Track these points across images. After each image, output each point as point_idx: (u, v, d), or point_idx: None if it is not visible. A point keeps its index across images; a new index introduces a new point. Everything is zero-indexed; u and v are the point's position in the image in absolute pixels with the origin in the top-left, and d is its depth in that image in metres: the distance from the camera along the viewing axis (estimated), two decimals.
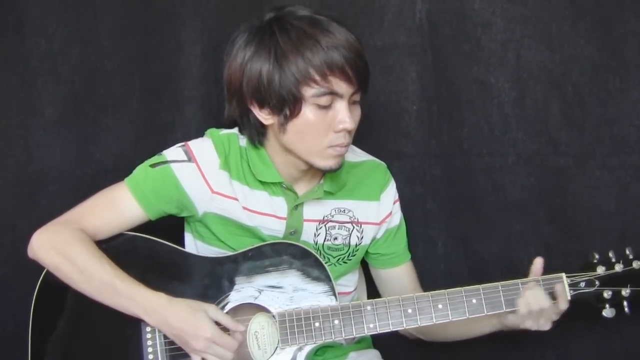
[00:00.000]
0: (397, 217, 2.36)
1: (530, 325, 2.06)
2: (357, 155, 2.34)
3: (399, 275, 2.37)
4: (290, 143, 2.09)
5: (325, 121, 2.03)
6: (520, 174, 2.43)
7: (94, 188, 2.23)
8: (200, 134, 2.26)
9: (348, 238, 2.27)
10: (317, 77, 1.99)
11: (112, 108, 2.52)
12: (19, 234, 2.31)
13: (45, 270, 2.13)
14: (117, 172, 2.26)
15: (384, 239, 2.34)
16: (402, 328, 2.07)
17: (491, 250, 2.49)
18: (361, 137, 2.41)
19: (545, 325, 2.07)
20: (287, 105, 2.02)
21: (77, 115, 2.50)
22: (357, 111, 2.10)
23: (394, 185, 2.37)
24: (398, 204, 2.37)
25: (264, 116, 2.09)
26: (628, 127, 2.33)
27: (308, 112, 2.02)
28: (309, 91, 2.00)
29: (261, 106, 2.07)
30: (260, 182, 2.17)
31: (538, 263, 2.11)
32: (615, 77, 2.34)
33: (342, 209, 2.26)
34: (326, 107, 2.02)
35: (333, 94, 2.01)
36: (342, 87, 2.01)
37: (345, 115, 2.03)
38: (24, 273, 2.22)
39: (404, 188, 2.49)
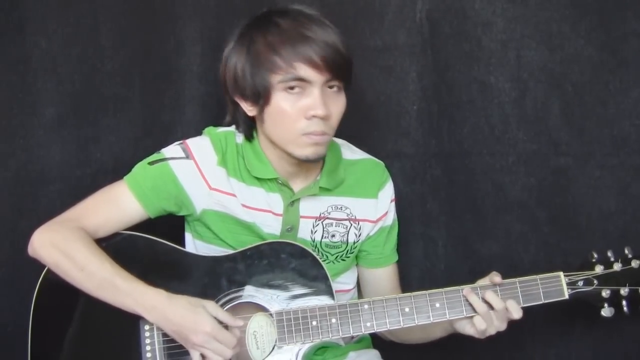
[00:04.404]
0: (391, 217, 2.37)
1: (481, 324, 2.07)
2: (354, 153, 2.35)
3: (381, 276, 2.38)
4: (269, 133, 2.12)
5: (296, 108, 2.05)
6: (520, 174, 2.44)
7: (94, 188, 2.23)
8: (200, 133, 2.27)
9: (346, 235, 2.28)
10: (283, 64, 2.02)
11: (112, 108, 2.52)
12: (19, 234, 2.32)
13: (45, 270, 2.13)
14: (117, 172, 2.26)
15: (375, 237, 2.34)
16: (400, 327, 2.07)
17: (491, 250, 2.49)
18: (361, 137, 2.43)
19: (501, 326, 2.09)
20: (261, 94, 2.06)
21: (77, 115, 2.49)
22: (337, 100, 2.10)
23: (392, 184, 2.37)
24: (394, 203, 2.37)
25: (248, 108, 2.13)
26: (628, 127, 2.34)
27: (279, 100, 2.06)
28: (276, 78, 2.04)
29: (244, 98, 2.12)
30: (257, 178, 2.19)
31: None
32: (615, 77, 2.34)
33: (339, 206, 2.26)
34: (297, 94, 2.05)
35: (300, 80, 2.03)
36: (308, 73, 2.02)
37: (315, 102, 2.04)
38: (24, 273, 2.22)
39: (404, 188, 2.50)
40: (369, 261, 2.36)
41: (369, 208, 2.30)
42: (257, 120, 2.16)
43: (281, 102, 2.05)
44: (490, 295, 2.06)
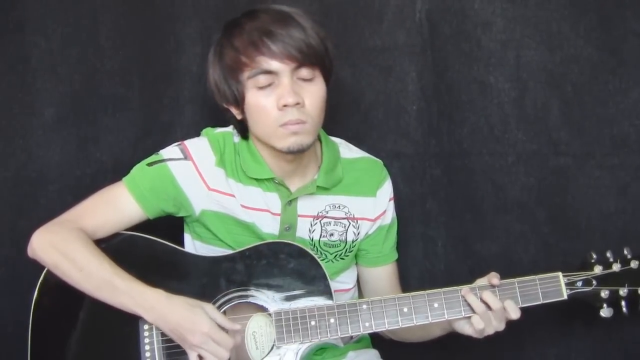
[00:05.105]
0: (390, 216, 2.36)
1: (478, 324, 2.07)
2: (352, 152, 2.35)
3: (380, 275, 2.38)
4: (254, 131, 2.15)
5: (268, 101, 2.07)
6: (520, 174, 2.44)
7: (93, 188, 2.23)
8: (200, 134, 2.27)
9: (344, 234, 2.28)
10: (246, 60, 2.06)
11: (112, 108, 2.52)
12: (19, 234, 2.32)
13: (45, 270, 2.13)
14: (117, 172, 2.26)
15: (374, 235, 2.34)
16: (398, 327, 2.07)
17: (491, 250, 2.49)
18: (361, 137, 2.43)
19: (499, 326, 2.09)
20: (236, 95, 2.10)
21: (77, 115, 2.50)
22: (311, 88, 2.11)
23: (390, 182, 2.37)
24: (392, 202, 2.37)
25: (235, 111, 2.16)
26: (628, 127, 2.34)
27: (251, 96, 2.09)
28: (244, 75, 2.08)
29: (228, 103, 2.16)
30: (254, 178, 2.19)
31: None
32: (615, 77, 2.34)
33: (337, 205, 2.26)
34: (267, 87, 2.07)
35: (267, 72, 2.06)
36: (272, 64, 2.05)
37: (283, 91, 2.06)
38: (24, 273, 2.23)
39: (404, 188, 2.50)
40: (368, 260, 2.36)
41: (368, 206, 2.30)
42: (246, 122, 2.17)
43: (254, 97, 2.08)
44: (488, 296, 2.06)
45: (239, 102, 2.11)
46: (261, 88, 2.07)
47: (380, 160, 2.38)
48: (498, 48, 2.42)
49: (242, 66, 2.06)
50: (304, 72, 2.08)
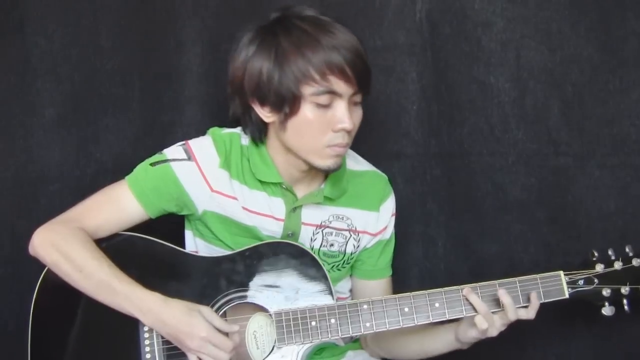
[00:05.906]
0: (390, 231, 2.36)
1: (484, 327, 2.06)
2: (359, 164, 2.34)
3: (373, 289, 2.34)
4: (289, 141, 2.09)
5: (323, 120, 2.03)
6: (520, 174, 2.43)
7: (93, 188, 2.23)
8: (200, 133, 2.27)
9: (344, 246, 2.27)
10: (317, 76, 1.99)
11: (112, 108, 2.52)
12: (19, 234, 2.33)
13: (45, 270, 2.13)
14: (117, 172, 2.26)
15: (372, 249, 2.33)
16: (399, 327, 2.07)
17: (491, 250, 2.48)
18: (361, 137, 2.40)
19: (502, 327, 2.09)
20: (287, 103, 2.03)
21: (77, 115, 2.50)
22: (358, 112, 2.11)
23: (394, 198, 2.37)
24: (394, 218, 2.37)
25: (265, 114, 2.10)
26: (628, 127, 2.33)
27: (307, 111, 2.03)
28: (308, 90, 2.01)
29: (262, 104, 2.08)
30: (260, 182, 2.18)
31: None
32: (615, 77, 2.34)
33: (341, 216, 2.26)
34: (325, 107, 2.03)
35: (332, 93, 2.01)
36: (341, 86, 2.01)
37: (344, 115, 2.03)
38: (24, 273, 2.24)
39: (404, 188, 2.50)
40: (362, 272, 2.35)
41: (370, 220, 2.30)
42: (273, 127, 2.12)
43: (309, 113, 2.03)
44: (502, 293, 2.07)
45: (284, 108, 2.04)
46: (321, 106, 2.03)
47: (385, 176, 2.37)
48: (498, 48, 2.41)
49: (310, 80, 2.00)
50: (358, 97, 2.07)
